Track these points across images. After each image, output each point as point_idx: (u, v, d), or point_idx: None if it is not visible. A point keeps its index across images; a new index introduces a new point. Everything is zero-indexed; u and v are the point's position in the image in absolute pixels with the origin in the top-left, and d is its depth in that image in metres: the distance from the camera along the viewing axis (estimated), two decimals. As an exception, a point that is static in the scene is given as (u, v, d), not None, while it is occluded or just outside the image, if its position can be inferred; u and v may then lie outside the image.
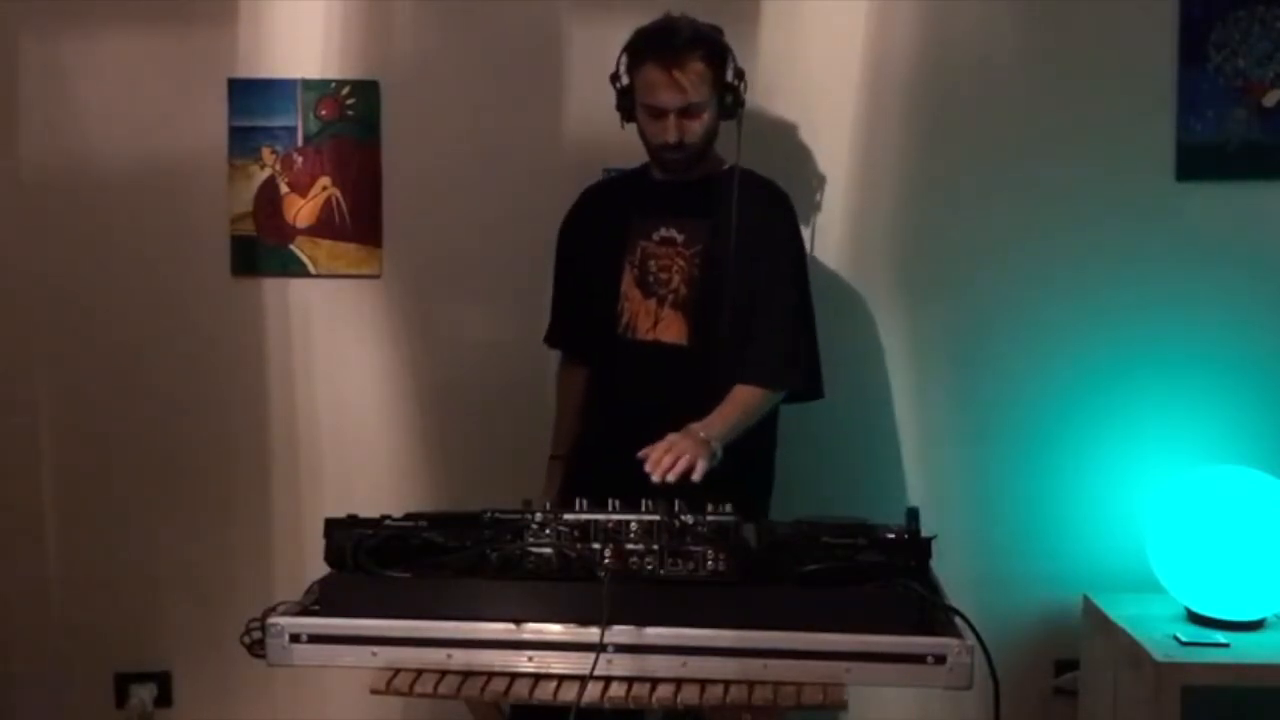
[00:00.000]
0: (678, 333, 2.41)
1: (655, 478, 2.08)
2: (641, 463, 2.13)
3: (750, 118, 2.77)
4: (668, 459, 2.11)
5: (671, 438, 2.18)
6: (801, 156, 2.81)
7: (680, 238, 2.43)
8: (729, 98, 2.39)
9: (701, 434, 2.20)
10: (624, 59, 2.39)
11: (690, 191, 2.45)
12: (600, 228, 2.51)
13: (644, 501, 1.87)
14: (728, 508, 1.84)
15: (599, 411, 2.54)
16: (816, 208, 2.82)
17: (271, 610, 1.81)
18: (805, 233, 2.79)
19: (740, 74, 2.41)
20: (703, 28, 2.36)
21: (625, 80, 2.40)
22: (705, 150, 2.42)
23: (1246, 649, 2.33)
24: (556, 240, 2.58)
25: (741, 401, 2.34)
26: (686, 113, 2.34)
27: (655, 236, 2.44)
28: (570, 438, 2.59)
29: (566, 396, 2.62)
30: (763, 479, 2.50)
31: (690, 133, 2.35)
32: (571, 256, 2.57)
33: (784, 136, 2.80)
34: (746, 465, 2.34)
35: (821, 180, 2.81)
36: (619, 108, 2.43)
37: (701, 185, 2.45)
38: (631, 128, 2.43)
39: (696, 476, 2.10)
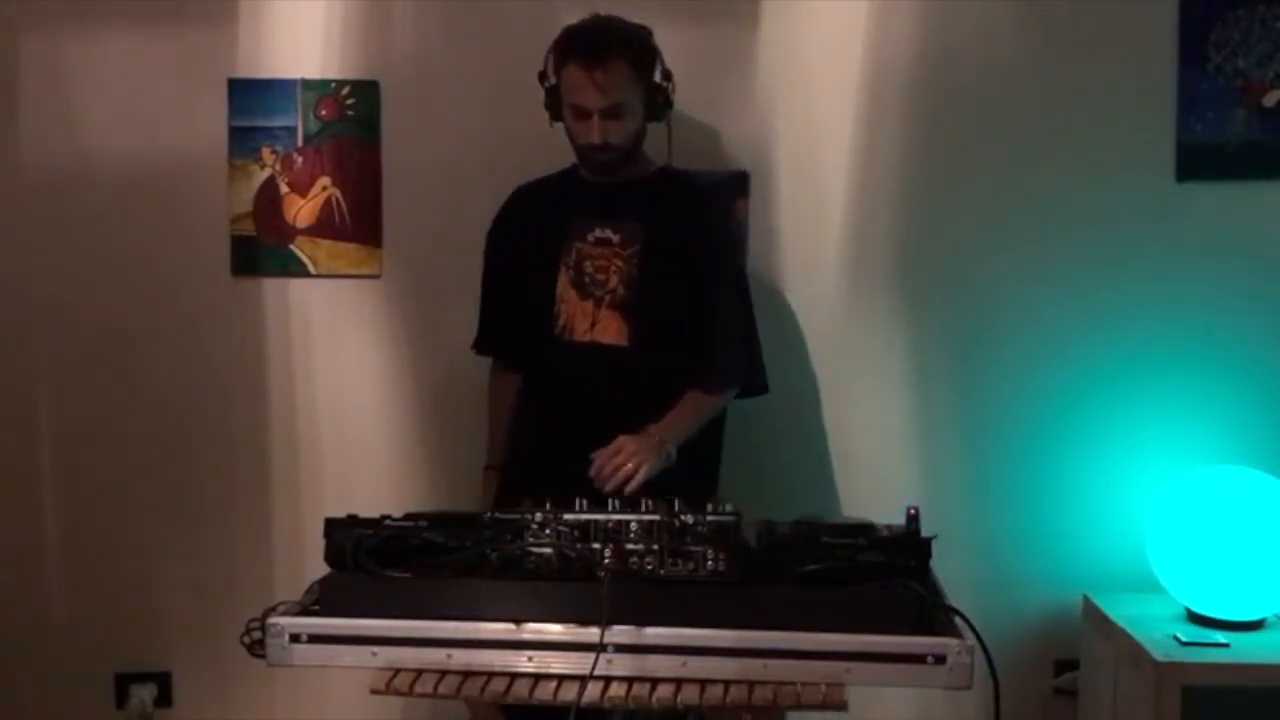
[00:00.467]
0: (616, 333, 2.41)
1: (605, 489, 2.14)
2: (586, 463, 2.19)
3: (750, 118, 2.79)
4: (610, 468, 2.18)
5: (621, 440, 2.23)
6: (801, 156, 2.80)
7: (616, 238, 2.43)
8: (656, 99, 2.39)
9: (657, 435, 2.26)
10: (551, 58, 2.39)
11: (623, 193, 2.45)
12: (533, 229, 2.50)
13: (644, 501, 1.87)
14: (728, 507, 1.84)
15: (535, 416, 2.52)
16: (816, 209, 2.82)
17: (271, 610, 1.81)
18: (804, 233, 2.81)
19: (668, 75, 2.41)
20: (630, 28, 2.36)
21: (553, 79, 2.40)
22: (632, 151, 2.42)
23: (1246, 649, 2.34)
24: (486, 243, 2.58)
25: (695, 405, 2.39)
26: (610, 114, 2.33)
27: (590, 238, 2.44)
28: (503, 446, 2.58)
29: (499, 405, 2.60)
30: (709, 480, 2.50)
31: (614, 134, 2.35)
32: (503, 259, 2.55)
33: (784, 136, 2.80)
34: (691, 466, 2.36)
35: (821, 181, 2.81)
36: (546, 107, 2.43)
37: (634, 186, 2.46)
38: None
39: (634, 485, 2.16)
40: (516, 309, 2.50)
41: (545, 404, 2.49)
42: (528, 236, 2.51)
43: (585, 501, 1.86)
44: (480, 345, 2.61)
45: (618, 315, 2.41)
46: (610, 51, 2.31)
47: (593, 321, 2.42)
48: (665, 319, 2.41)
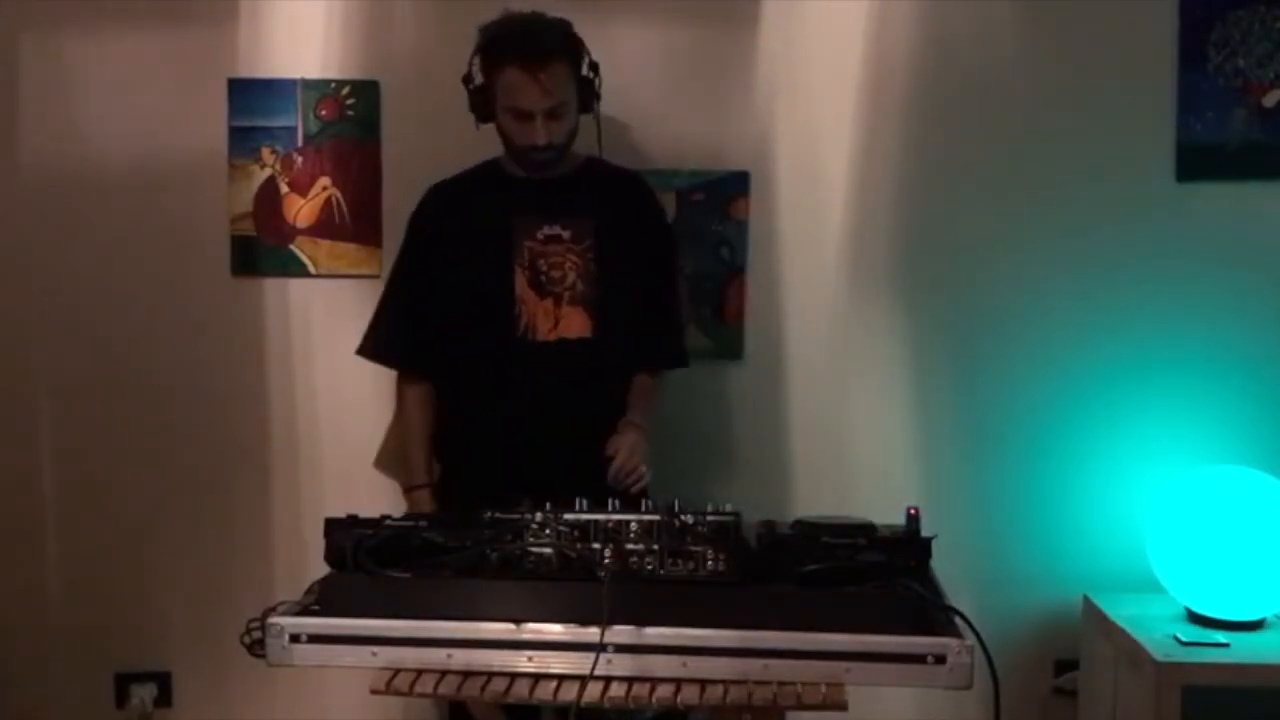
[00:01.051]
0: (581, 327, 2.43)
1: (631, 489, 2.23)
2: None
3: (750, 118, 2.79)
4: (629, 468, 2.29)
5: (634, 440, 2.30)
6: (801, 157, 2.80)
7: (566, 234, 2.43)
8: (589, 92, 2.40)
9: (644, 429, 2.39)
10: (478, 60, 2.37)
11: (561, 188, 2.46)
12: (470, 230, 2.47)
13: (644, 501, 1.87)
14: (727, 507, 1.84)
15: (484, 420, 2.45)
16: (816, 209, 2.81)
17: (271, 610, 1.81)
18: (805, 233, 2.81)
19: (595, 67, 2.41)
20: (559, 24, 2.35)
21: (479, 80, 2.38)
22: (569, 146, 2.43)
23: (1246, 649, 2.34)
24: (404, 244, 2.54)
25: (652, 389, 2.51)
26: (552, 114, 2.33)
27: (540, 235, 2.43)
28: (430, 463, 2.53)
29: (422, 418, 2.53)
30: None
31: (556, 133, 2.35)
32: (430, 261, 2.49)
33: (784, 136, 2.80)
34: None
35: (821, 181, 2.81)
36: (473, 109, 2.41)
37: (570, 180, 2.47)
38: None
39: (642, 485, 2.28)
40: (468, 313, 2.45)
41: (500, 406, 2.43)
42: (465, 236, 2.47)
43: (585, 501, 1.85)
44: (390, 354, 2.55)
45: (580, 309, 2.43)
46: (549, 53, 2.31)
47: (556, 319, 2.43)
48: (624, 308, 2.45)
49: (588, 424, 2.37)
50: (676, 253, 2.63)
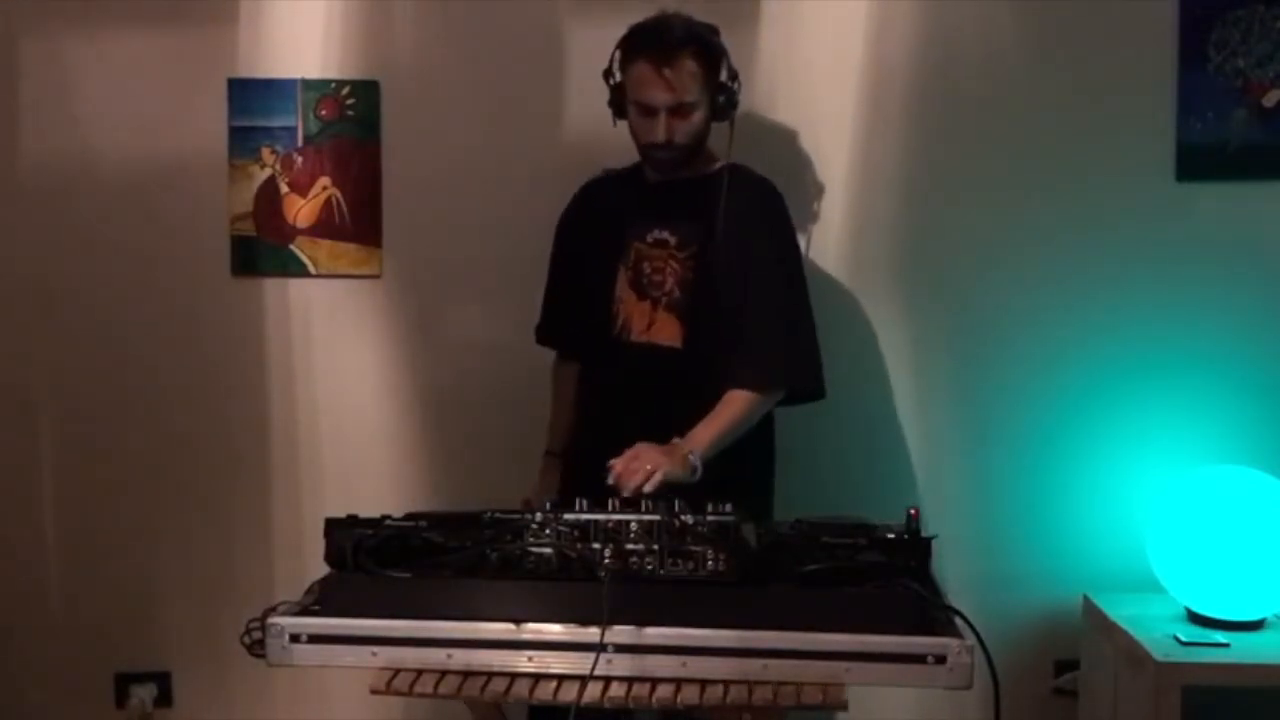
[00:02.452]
0: (672, 335, 2.40)
1: (626, 490, 2.09)
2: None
3: (750, 118, 2.78)
4: (628, 471, 2.12)
5: (638, 446, 2.17)
6: (801, 157, 2.80)
7: (673, 240, 2.41)
8: (721, 98, 2.37)
9: (684, 448, 2.19)
10: (617, 55, 2.38)
11: (683, 192, 2.44)
12: (596, 227, 2.50)
13: (644, 502, 1.87)
14: (728, 507, 1.84)
15: (590, 412, 2.53)
16: (816, 209, 2.82)
17: (271, 610, 1.81)
18: (804, 234, 2.81)
19: (734, 75, 2.39)
20: (698, 26, 2.34)
21: (618, 77, 2.39)
22: (696, 150, 2.40)
23: (1246, 649, 2.33)
24: (555, 235, 2.58)
25: (731, 408, 2.31)
26: (676, 112, 2.32)
27: (649, 238, 2.43)
28: (566, 434, 2.59)
29: (562, 393, 2.61)
30: (761, 483, 2.49)
31: (679, 132, 2.33)
32: (568, 254, 2.56)
33: (783, 137, 2.80)
34: (741, 469, 2.32)
35: (821, 181, 2.81)
36: (611, 104, 2.42)
37: (694, 185, 2.43)
38: (624, 126, 2.42)
39: (653, 484, 2.09)
40: (578, 306, 2.51)
41: (600, 401, 2.48)
42: (590, 234, 2.51)
43: (585, 501, 1.85)
44: (543, 336, 2.62)
45: (673, 317, 2.40)
46: (678, 49, 2.30)
47: (649, 322, 2.41)
48: (719, 321, 2.37)
49: (668, 432, 2.27)
50: (797, 269, 2.46)
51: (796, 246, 2.52)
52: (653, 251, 2.43)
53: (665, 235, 2.43)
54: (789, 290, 2.42)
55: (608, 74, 2.40)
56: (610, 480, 2.13)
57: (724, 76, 2.38)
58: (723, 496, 1.88)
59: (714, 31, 2.37)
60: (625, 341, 2.43)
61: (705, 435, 2.25)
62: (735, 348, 2.35)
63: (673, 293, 2.40)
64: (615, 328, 2.43)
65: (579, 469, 2.47)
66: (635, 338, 2.42)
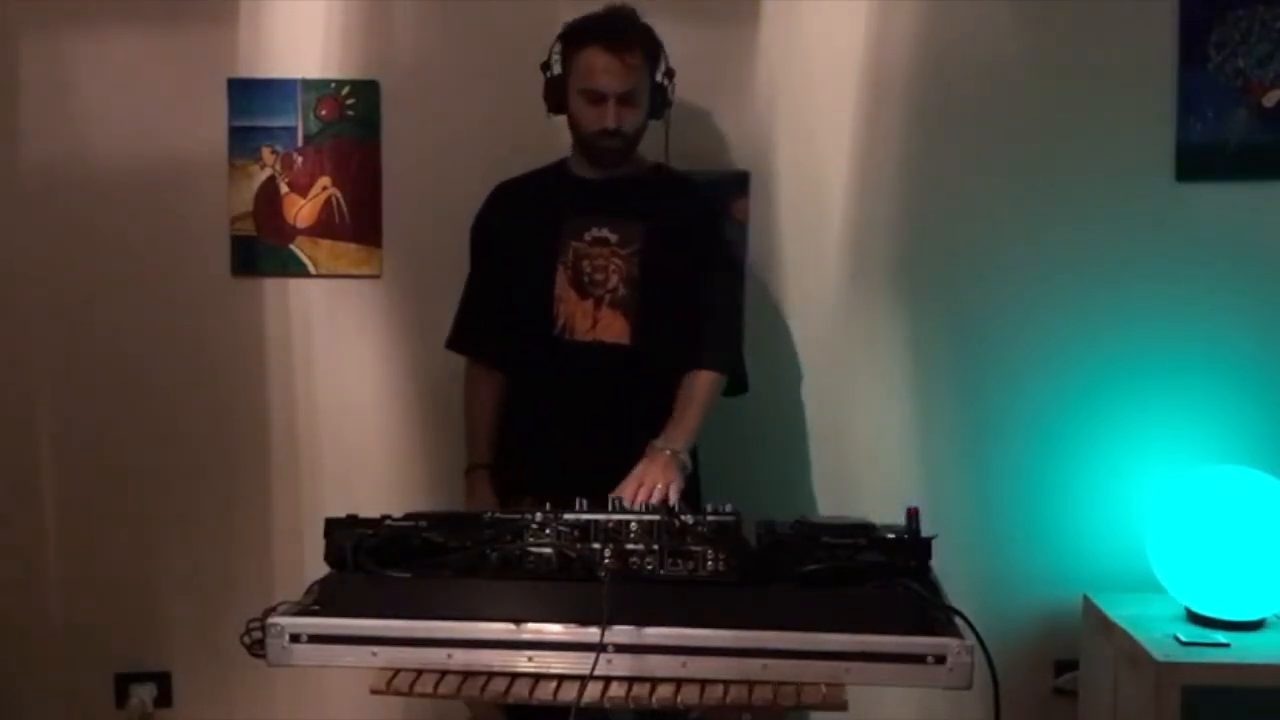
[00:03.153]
0: (619, 332, 2.41)
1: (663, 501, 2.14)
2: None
3: (750, 118, 2.79)
4: (643, 494, 2.17)
5: (639, 470, 2.22)
6: (801, 157, 2.80)
7: (614, 238, 2.43)
8: (661, 95, 2.42)
9: (666, 451, 2.26)
10: (558, 46, 2.40)
11: (618, 190, 2.46)
12: (524, 228, 2.49)
13: (644, 504, 1.87)
14: (728, 507, 1.84)
15: (531, 416, 2.49)
16: (816, 209, 2.81)
17: (271, 610, 1.81)
18: (804, 234, 2.81)
19: (670, 74, 2.43)
20: (643, 23, 2.40)
21: (557, 69, 2.41)
22: (636, 144, 2.43)
23: (1246, 649, 2.33)
24: (471, 239, 2.57)
25: (699, 395, 2.37)
26: (626, 100, 2.35)
27: (587, 236, 2.43)
28: (490, 447, 2.55)
29: (485, 404, 2.55)
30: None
31: (627, 120, 2.36)
32: (492, 257, 2.53)
33: (783, 137, 2.80)
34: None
35: (821, 181, 2.81)
36: (546, 98, 2.44)
37: (628, 184, 2.46)
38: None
39: (674, 500, 2.16)
40: (511, 309, 2.49)
41: (543, 404, 2.47)
42: (519, 235, 2.49)
43: (585, 501, 1.85)
44: (463, 344, 2.58)
45: (619, 314, 2.41)
46: (632, 37, 2.34)
47: (594, 321, 2.42)
48: (667, 316, 2.41)
49: (620, 429, 2.34)
50: (738, 267, 2.58)
51: (735, 245, 2.62)
52: (593, 250, 2.43)
53: (605, 233, 2.43)
54: (734, 289, 2.56)
55: (545, 66, 2.42)
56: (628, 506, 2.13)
57: (661, 74, 2.42)
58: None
59: (653, 32, 2.41)
60: (568, 341, 2.42)
61: (683, 429, 2.32)
62: (690, 337, 2.40)
63: (617, 290, 2.41)
64: (556, 328, 2.43)
65: (518, 477, 2.44)
66: (579, 337, 2.42)
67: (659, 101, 2.43)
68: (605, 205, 2.45)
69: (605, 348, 2.41)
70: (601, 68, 2.32)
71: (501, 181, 2.57)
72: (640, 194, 2.46)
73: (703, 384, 2.38)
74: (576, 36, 2.37)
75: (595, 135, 2.38)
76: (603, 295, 2.42)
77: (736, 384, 2.48)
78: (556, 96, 2.43)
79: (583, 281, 2.42)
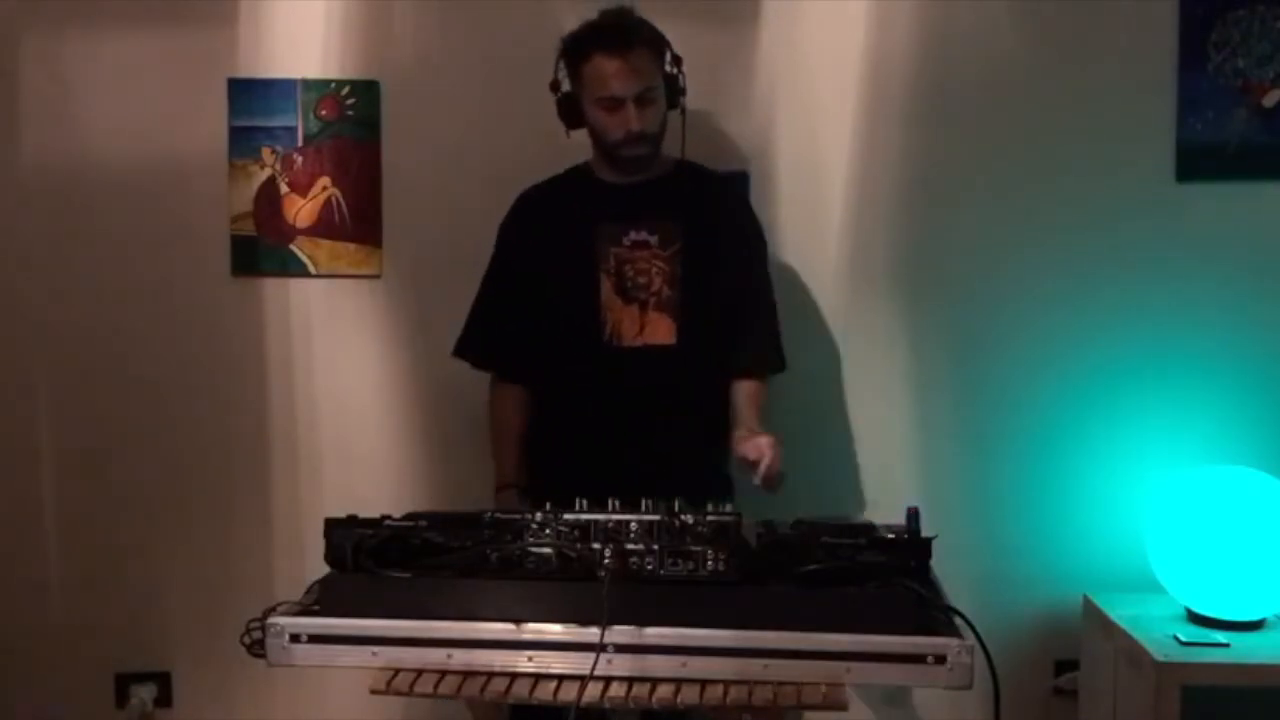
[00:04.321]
0: (665, 333, 2.41)
1: (775, 487, 2.16)
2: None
3: (749, 118, 2.79)
4: (776, 462, 2.18)
5: (759, 441, 2.21)
6: (801, 157, 2.80)
7: (654, 240, 2.42)
8: (674, 85, 2.40)
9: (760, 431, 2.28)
10: (563, 62, 2.38)
11: (649, 192, 2.45)
12: (557, 237, 2.47)
13: (644, 501, 1.86)
14: (728, 507, 1.84)
15: (573, 425, 2.46)
16: (816, 209, 2.81)
17: (271, 610, 1.81)
18: (803, 234, 2.81)
19: (678, 61, 2.41)
20: (638, 16, 2.37)
21: (566, 85, 2.39)
22: (660, 141, 2.41)
23: (1246, 649, 2.33)
24: (496, 250, 2.54)
25: (757, 397, 2.41)
26: (643, 99, 2.33)
27: (626, 241, 2.43)
28: (521, 464, 2.52)
29: (512, 421, 2.53)
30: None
31: (649, 120, 2.35)
32: (523, 267, 2.50)
33: (783, 137, 2.80)
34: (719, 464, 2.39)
35: (821, 181, 2.81)
36: (561, 115, 2.42)
37: (657, 184, 2.45)
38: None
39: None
40: (553, 320, 2.46)
41: (589, 413, 2.43)
42: (551, 245, 2.47)
43: (585, 501, 1.85)
44: (480, 357, 2.55)
45: (665, 316, 2.41)
46: (635, 37, 2.33)
47: (640, 326, 2.41)
48: (711, 314, 2.41)
49: (671, 431, 2.35)
50: (766, 258, 2.57)
51: (763, 234, 2.60)
52: (634, 254, 2.42)
53: (644, 236, 2.42)
54: (768, 279, 2.54)
55: (554, 85, 2.40)
56: (761, 473, 2.17)
57: (668, 64, 2.40)
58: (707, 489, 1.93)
59: (652, 25, 2.40)
60: (617, 348, 2.42)
61: (761, 424, 2.34)
62: (736, 339, 2.42)
63: (661, 292, 2.41)
64: (604, 335, 2.42)
65: (560, 489, 2.31)
66: (628, 343, 2.41)
67: (673, 90, 2.41)
68: (639, 208, 2.44)
69: (652, 351, 2.41)
70: (611, 73, 2.30)
71: (525, 190, 2.55)
72: (672, 193, 2.44)
73: (756, 390, 2.43)
74: (579, 48, 2.35)
75: (621, 143, 2.36)
76: (647, 299, 2.41)
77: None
78: (572, 113, 2.41)
79: (626, 287, 2.41)
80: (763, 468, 2.17)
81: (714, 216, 2.46)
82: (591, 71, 2.33)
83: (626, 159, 2.40)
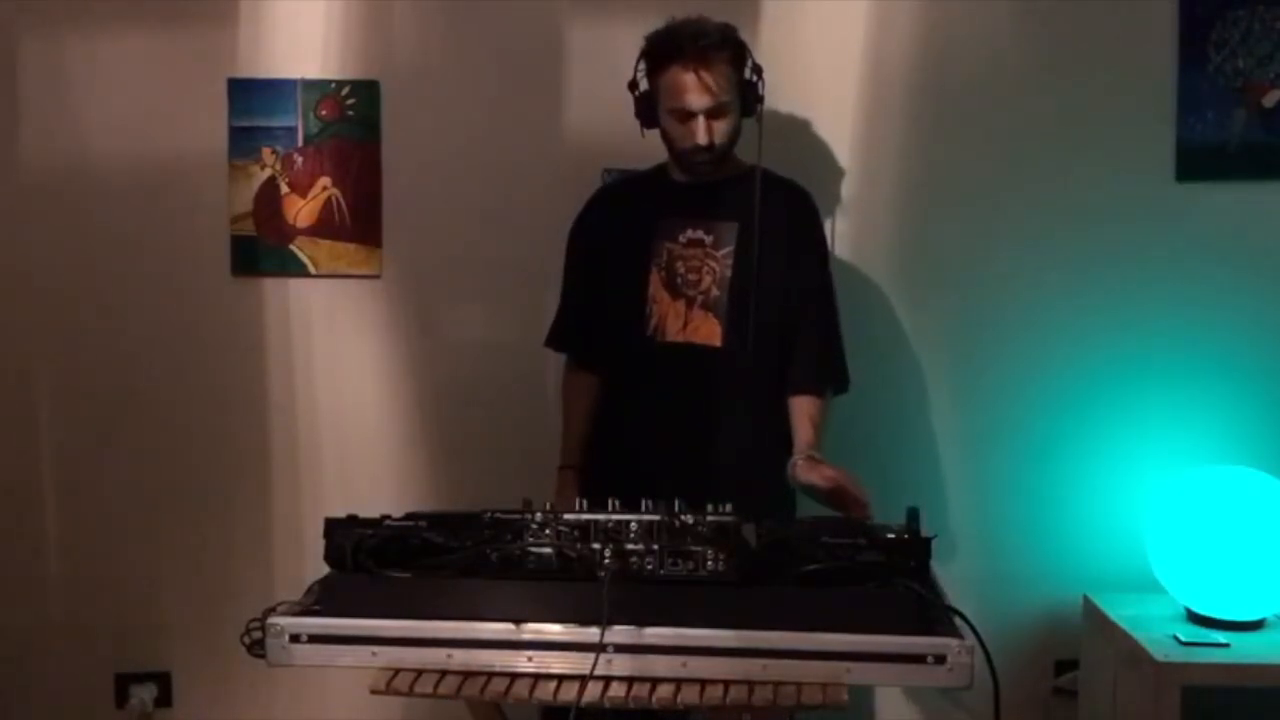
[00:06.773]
0: (710, 334, 2.40)
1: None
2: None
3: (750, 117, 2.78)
4: (863, 498, 2.15)
5: (839, 472, 2.20)
6: (801, 156, 2.80)
7: (709, 239, 2.42)
8: (752, 94, 2.38)
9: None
10: (643, 64, 2.38)
11: (714, 192, 2.44)
12: (621, 230, 2.49)
13: (644, 502, 1.86)
14: (728, 507, 1.84)
15: (621, 416, 2.50)
16: (816, 207, 2.81)
17: (271, 610, 1.81)
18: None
19: (758, 70, 2.40)
20: (722, 26, 2.35)
21: (644, 86, 2.39)
22: (730, 150, 2.41)
23: (1246, 649, 2.33)
24: (569, 241, 2.56)
25: (818, 417, 2.38)
26: (714, 113, 2.33)
27: (682, 239, 2.43)
28: (583, 447, 2.54)
29: (578, 405, 2.56)
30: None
31: (719, 133, 2.34)
32: (590, 258, 2.53)
33: (783, 136, 2.79)
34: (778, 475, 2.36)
35: (821, 180, 2.81)
36: (638, 115, 2.41)
37: (725, 186, 2.44)
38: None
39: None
40: (607, 310, 2.48)
41: (634, 405, 2.46)
42: (616, 237, 2.49)
43: (585, 501, 1.85)
44: (558, 342, 2.59)
45: (710, 316, 2.40)
46: (713, 52, 2.31)
47: (685, 322, 2.41)
48: (758, 320, 2.39)
49: (707, 432, 2.35)
50: (829, 273, 2.52)
51: (828, 246, 2.57)
52: (687, 251, 2.42)
53: (700, 235, 2.43)
54: (831, 294, 2.49)
55: (633, 85, 2.40)
56: (850, 505, 2.15)
57: (748, 73, 2.38)
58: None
59: (734, 29, 2.37)
60: (660, 342, 2.42)
61: (819, 447, 2.32)
62: (796, 354, 2.41)
63: (710, 291, 2.41)
64: (648, 328, 2.42)
65: (606, 479, 2.38)
66: (671, 338, 2.41)
67: (749, 100, 2.38)
68: (700, 207, 2.44)
69: (695, 350, 2.40)
70: (686, 87, 2.30)
71: (605, 184, 2.60)
72: (735, 195, 2.43)
73: (818, 407, 2.40)
74: (657, 56, 2.34)
75: (689, 152, 2.37)
76: (695, 296, 2.41)
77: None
78: (648, 114, 2.41)
79: (675, 283, 2.41)
80: (867, 511, 2.13)
81: (775, 224, 2.41)
82: (667, 81, 2.33)
83: (690, 165, 2.41)
